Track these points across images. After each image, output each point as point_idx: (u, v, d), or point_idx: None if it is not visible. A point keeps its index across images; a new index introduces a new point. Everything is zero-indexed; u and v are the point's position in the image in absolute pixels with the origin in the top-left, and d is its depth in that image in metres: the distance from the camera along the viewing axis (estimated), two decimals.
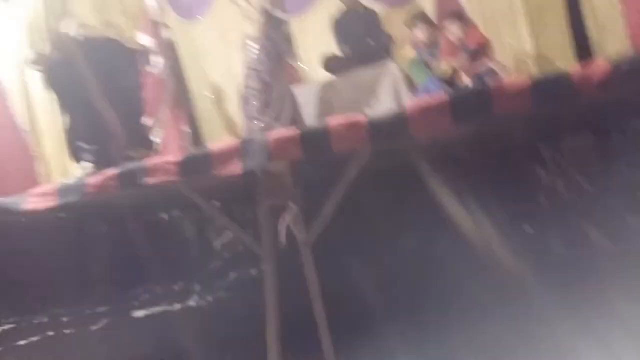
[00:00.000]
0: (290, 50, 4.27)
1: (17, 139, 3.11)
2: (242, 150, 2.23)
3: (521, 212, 2.37)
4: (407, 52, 4.80)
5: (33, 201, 1.86)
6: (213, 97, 5.07)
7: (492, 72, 4.15)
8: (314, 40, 5.26)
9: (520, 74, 4.96)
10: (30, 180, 3.00)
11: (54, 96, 2.57)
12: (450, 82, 4.22)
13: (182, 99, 4.53)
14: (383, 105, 4.34)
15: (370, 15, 4.78)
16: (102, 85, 2.23)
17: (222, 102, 5.02)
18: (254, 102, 3.91)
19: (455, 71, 4.20)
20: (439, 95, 2.66)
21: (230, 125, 4.98)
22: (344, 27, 4.76)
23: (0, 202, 1.89)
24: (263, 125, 3.78)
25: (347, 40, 4.73)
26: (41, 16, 2.17)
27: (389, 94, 4.39)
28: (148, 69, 3.59)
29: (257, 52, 3.94)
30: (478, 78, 4.08)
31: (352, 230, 2.36)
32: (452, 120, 2.04)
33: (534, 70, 4.87)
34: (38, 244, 2.15)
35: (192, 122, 4.77)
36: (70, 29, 2.11)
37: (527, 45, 5.00)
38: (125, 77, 2.27)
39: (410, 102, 2.95)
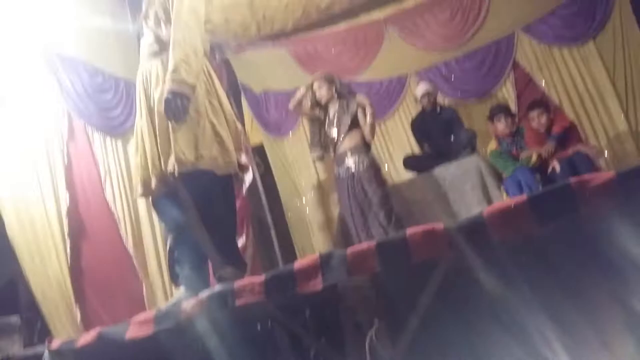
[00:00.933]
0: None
1: (126, 263, 3.43)
2: (322, 264, 2.28)
3: None
4: (492, 145, 4.77)
5: (134, 329, 2.03)
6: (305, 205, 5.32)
7: (584, 156, 3.97)
8: (397, 143, 5.46)
9: (617, 154, 4.74)
10: (137, 302, 3.28)
11: (159, 224, 2.88)
12: (539, 169, 4.10)
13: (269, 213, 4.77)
14: (470, 200, 4.29)
15: (448, 113, 4.87)
16: (198, 213, 2.43)
17: (313, 210, 5.24)
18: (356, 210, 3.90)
19: (543, 159, 4.08)
20: (519, 196, 2.58)
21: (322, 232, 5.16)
22: (422, 126, 4.88)
23: (108, 331, 2.09)
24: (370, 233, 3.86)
25: (427, 138, 4.83)
26: (148, 156, 2.45)
27: (475, 187, 4.34)
28: (243, 189, 3.88)
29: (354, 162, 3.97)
30: (569, 163, 3.92)
31: (440, 341, 2.26)
32: (533, 222, 1.97)
33: (631, 148, 4.64)
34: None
35: (284, 231, 5.00)
36: (170, 165, 2.37)
37: (621, 124, 4.81)
38: (218, 204, 2.47)
39: (489, 206, 2.86)
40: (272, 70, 5.50)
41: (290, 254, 4.82)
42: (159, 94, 2.37)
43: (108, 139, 3.72)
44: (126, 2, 3.83)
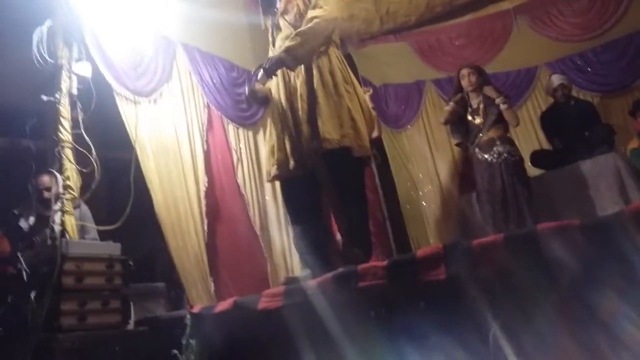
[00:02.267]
0: None
1: (254, 243, 3.67)
2: (446, 255, 2.28)
3: None
4: (633, 143, 4.38)
5: (265, 300, 2.20)
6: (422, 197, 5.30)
7: None
8: (523, 137, 5.20)
9: None
10: (262, 280, 3.51)
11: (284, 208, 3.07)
12: None
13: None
14: (605, 201, 3.98)
15: (583, 106, 4.55)
16: (337, 190, 2.57)
17: (429, 203, 5.20)
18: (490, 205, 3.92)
19: None
20: None
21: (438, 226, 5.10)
22: (553, 121, 4.61)
23: (242, 301, 2.28)
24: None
25: (559, 133, 4.55)
26: (287, 140, 2.63)
27: (612, 188, 4.02)
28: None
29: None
30: None
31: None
32: None
33: None
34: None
35: (399, 222, 5.02)
36: (317, 144, 2.52)
37: None
38: (354, 184, 2.61)
39: (632, 204, 2.68)
40: (393, 63, 5.52)
41: (405, 245, 4.84)
42: (300, 80, 2.54)
43: (240, 129, 4.01)
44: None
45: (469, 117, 4.15)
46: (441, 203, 5.15)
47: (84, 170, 2.85)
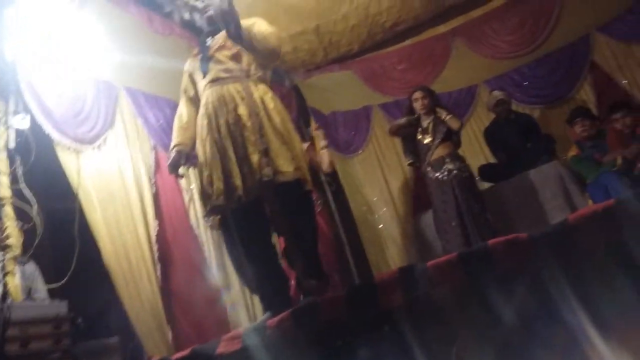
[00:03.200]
0: None
1: (211, 285, 3.59)
2: (402, 279, 2.29)
3: None
4: (572, 151, 4.57)
5: (224, 345, 2.14)
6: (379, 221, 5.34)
7: None
8: (470, 153, 5.35)
9: None
10: (223, 324, 3.42)
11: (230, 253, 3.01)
12: (627, 173, 3.86)
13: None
14: (552, 208, 4.12)
15: (523, 119, 4.73)
16: (287, 224, 2.55)
17: (386, 225, 5.24)
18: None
19: (629, 162, 3.84)
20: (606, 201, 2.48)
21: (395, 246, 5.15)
22: (496, 135, 4.77)
23: (200, 348, 2.20)
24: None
25: (502, 147, 4.70)
26: (231, 175, 2.59)
27: (557, 195, 4.16)
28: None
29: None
30: None
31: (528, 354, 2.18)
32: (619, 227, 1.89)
33: None
34: None
35: (358, 247, 5.03)
36: (267, 177, 2.50)
37: None
38: (305, 216, 2.60)
39: (574, 213, 2.77)
40: (340, 91, 5.61)
41: (366, 271, 4.84)
42: (244, 111, 2.53)
43: (191, 169, 3.94)
44: (194, 41, 4.07)
45: (419, 137, 4.24)
46: (398, 225, 5.20)
47: (26, 225, 2.73)
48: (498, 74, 5.36)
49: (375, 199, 5.39)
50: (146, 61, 3.78)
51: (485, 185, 4.68)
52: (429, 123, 4.21)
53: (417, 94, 4.28)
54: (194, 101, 2.83)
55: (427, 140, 4.19)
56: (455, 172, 4.02)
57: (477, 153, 5.29)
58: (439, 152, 4.11)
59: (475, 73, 5.41)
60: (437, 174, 4.08)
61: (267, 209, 2.60)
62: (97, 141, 3.40)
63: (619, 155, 3.88)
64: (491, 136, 4.85)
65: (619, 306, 1.98)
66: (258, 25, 2.57)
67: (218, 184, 2.55)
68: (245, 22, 2.55)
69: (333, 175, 5.31)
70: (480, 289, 2.37)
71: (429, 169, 4.14)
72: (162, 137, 3.80)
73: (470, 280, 2.27)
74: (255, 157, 2.49)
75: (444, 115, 4.16)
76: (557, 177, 4.21)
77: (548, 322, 2.24)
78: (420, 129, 4.25)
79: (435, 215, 4.17)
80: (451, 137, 4.15)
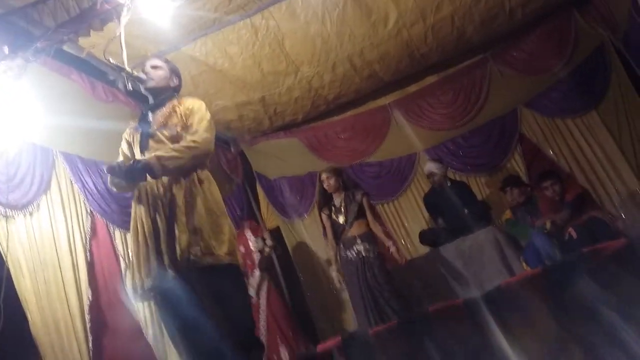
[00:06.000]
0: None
1: (148, 356, 3.40)
2: (345, 347, 2.28)
3: None
4: (507, 214, 4.80)
5: None
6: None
7: (599, 221, 3.98)
8: (411, 218, 5.51)
9: (635, 217, 4.71)
10: None
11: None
12: (556, 236, 4.07)
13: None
14: (489, 272, 4.24)
15: (458, 186, 4.95)
16: (219, 305, 2.48)
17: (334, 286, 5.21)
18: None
19: (558, 225, 4.06)
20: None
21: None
22: (434, 202, 4.95)
23: None
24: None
25: (440, 214, 4.87)
26: (151, 256, 2.53)
27: (494, 259, 4.31)
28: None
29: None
30: (584, 229, 3.92)
31: None
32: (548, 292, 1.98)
33: None
34: None
35: (305, 311, 4.95)
36: (196, 258, 2.45)
37: (635, 187, 4.82)
38: (238, 295, 2.54)
39: (506, 279, 2.88)
40: (285, 157, 5.72)
41: (312, 335, 4.76)
42: (178, 192, 2.51)
43: (128, 235, 3.82)
44: (138, 108, 4.07)
45: (334, 217, 4.33)
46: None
47: None
48: (435, 144, 5.63)
49: (321, 262, 5.39)
50: (86, 125, 3.73)
51: (425, 249, 4.80)
52: (341, 202, 4.32)
53: (323, 176, 4.40)
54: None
55: (341, 220, 4.27)
56: (363, 253, 4.12)
57: (418, 218, 5.46)
58: (352, 231, 4.20)
59: (414, 143, 5.64)
60: (349, 253, 4.18)
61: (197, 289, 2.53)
62: (30, 207, 3.25)
63: (547, 220, 4.11)
64: (429, 203, 5.04)
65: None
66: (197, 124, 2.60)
67: (146, 266, 2.50)
68: (187, 104, 2.64)
69: (279, 240, 5.32)
70: (424, 352, 2.39)
71: (342, 247, 4.24)
72: (100, 202, 3.70)
73: (410, 346, 2.28)
74: (184, 239, 2.45)
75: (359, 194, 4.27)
76: (494, 242, 4.38)
77: None
78: (334, 208, 4.35)
79: (348, 289, 4.25)
80: (364, 215, 4.25)
